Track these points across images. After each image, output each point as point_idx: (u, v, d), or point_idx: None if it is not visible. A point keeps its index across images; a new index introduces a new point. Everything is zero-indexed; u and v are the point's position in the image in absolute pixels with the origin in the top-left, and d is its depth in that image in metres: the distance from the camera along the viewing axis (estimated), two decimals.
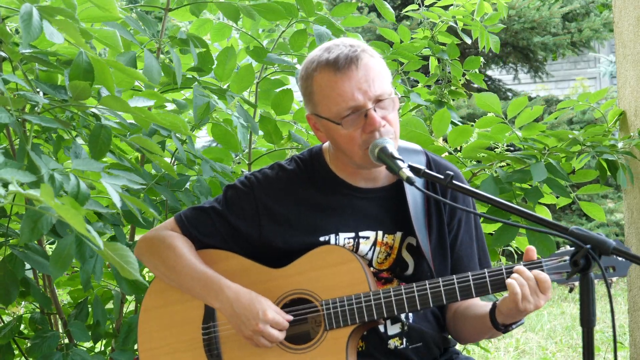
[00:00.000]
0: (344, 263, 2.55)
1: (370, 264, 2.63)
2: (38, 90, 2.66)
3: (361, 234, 2.62)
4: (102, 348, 3.53)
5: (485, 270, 2.47)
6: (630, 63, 4.04)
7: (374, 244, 2.62)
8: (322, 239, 2.60)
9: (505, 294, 2.44)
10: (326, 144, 2.72)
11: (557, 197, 3.82)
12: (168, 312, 2.67)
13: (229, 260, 2.65)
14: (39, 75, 2.83)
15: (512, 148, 3.99)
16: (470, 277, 2.46)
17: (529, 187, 3.66)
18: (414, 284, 2.50)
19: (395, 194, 2.64)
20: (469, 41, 4.10)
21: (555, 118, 9.81)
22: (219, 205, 2.69)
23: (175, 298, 2.67)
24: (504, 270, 2.45)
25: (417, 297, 2.49)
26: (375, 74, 2.49)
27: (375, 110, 2.47)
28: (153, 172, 3.36)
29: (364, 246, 2.62)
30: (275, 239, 2.62)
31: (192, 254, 2.65)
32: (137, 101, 2.62)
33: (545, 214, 3.79)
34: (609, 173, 3.72)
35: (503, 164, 3.75)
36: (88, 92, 2.53)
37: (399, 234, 2.63)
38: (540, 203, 3.71)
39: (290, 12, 3.46)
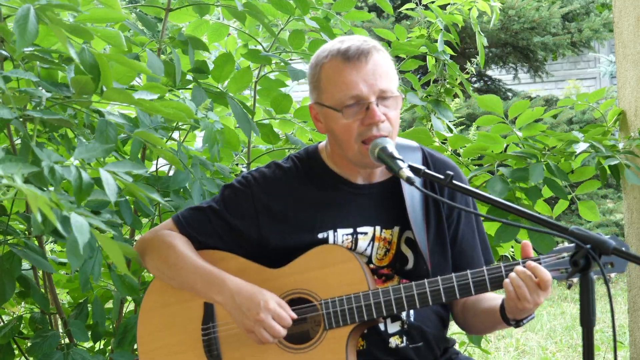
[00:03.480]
0: (342, 262, 2.55)
1: (370, 261, 2.64)
2: (40, 88, 2.66)
3: (359, 229, 2.63)
4: (102, 347, 3.52)
5: (484, 268, 2.48)
6: (630, 63, 4.04)
7: (372, 239, 2.63)
8: (320, 235, 2.61)
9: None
10: (322, 143, 2.73)
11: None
12: (167, 313, 2.67)
13: (227, 261, 2.64)
14: (40, 74, 2.83)
15: None
16: (469, 276, 2.47)
17: (529, 186, 3.66)
18: (413, 283, 2.50)
19: (392, 188, 2.65)
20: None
21: (555, 117, 9.82)
22: (217, 205, 2.69)
23: (174, 299, 2.66)
24: (502, 269, 2.46)
25: (416, 295, 2.49)
26: (383, 71, 2.53)
27: (377, 106, 2.49)
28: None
29: (363, 242, 2.62)
30: (274, 237, 2.63)
31: (192, 251, 2.65)
32: (141, 94, 2.63)
33: (544, 208, 3.79)
34: (609, 172, 3.72)
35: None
36: (91, 86, 2.53)
37: (396, 229, 2.64)
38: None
39: (287, 10, 3.49)
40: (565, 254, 2.43)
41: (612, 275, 2.43)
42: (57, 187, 2.26)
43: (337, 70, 2.52)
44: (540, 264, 2.43)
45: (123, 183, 2.40)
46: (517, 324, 2.51)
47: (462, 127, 8.64)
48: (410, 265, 2.64)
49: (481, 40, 4.00)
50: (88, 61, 2.53)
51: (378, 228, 2.63)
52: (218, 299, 2.57)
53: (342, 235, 2.62)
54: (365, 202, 2.64)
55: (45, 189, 2.36)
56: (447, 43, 4.08)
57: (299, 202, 2.64)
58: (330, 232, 2.61)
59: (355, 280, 2.54)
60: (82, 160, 2.38)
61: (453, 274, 2.49)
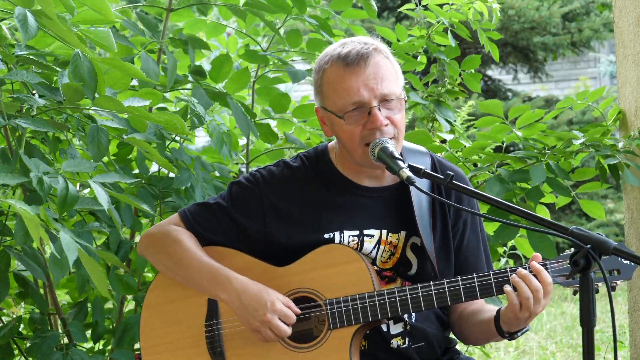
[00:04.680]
0: (348, 262, 2.55)
1: (373, 263, 2.63)
2: (34, 92, 2.65)
3: (366, 232, 2.62)
4: (102, 347, 3.52)
5: (490, 272, 2.48)
6: (630, 63, 4.04)
7: (378, 242, 2.63)
8: (326, 236, 2.61)
9: None
10: (332, 143, 2.72)
11: (557, 197, 3.82)
12: (170, 309, 2.66)
13: (232, 258, 2.64)
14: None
15: (512, 148, 3.99)
16: (475, 279, 2.47)
17: (530, 186, 3.65)
18: (419, 285, 2.50)
19: (400, 193, 2.65)
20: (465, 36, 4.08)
21: (555, 118, 9.81)
22: (224, 201, 2.68)
23: (178, 295, 2.66)
24: (509, 272, 2.46)
25: (421, 298, 2.49)
26: (385, 73, 2.52)
27: (379, 110, 2.49)
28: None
29: (368, 244, 2.62)
30: (280, 236, 2.62)
31: (198, 247, 2.65)
32: (133, 101, 2.62)
33: (544, 214, 3.78)
34: (608, 172, 3.71)
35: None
36: (81, 93, 2.53)
37: (403, 234, 2.64)
38: (539, 202, 3.71)
39: (284, 9, 3.49)
40: None
41: (619, 282, 2.43)
42: (46, 197, 2.28)
43: (338, 76, 2.52)
44: (546, 268, 2.42)
45: (112, 193, 2.42)
46: (511, 336, 2.51)
47: (467, 124, 8.62)
48: (413, 270, 2.64)
49: (490, 35, 4.00)
50: (85, 65, 2.51)
51: (384, 232, 2.63)
52: (223, 297, 2.57)
53: (349, 236, 2.62)
54: (373, 205, 2.64)
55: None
56: (459, 38, 4.07)
57: (306, 202, 2.64)
58: (337, 233, 2.61)
59: (360, 280, 2.53)
60: (69, 173, 2.39)
61: (459, 277, 2.49)
